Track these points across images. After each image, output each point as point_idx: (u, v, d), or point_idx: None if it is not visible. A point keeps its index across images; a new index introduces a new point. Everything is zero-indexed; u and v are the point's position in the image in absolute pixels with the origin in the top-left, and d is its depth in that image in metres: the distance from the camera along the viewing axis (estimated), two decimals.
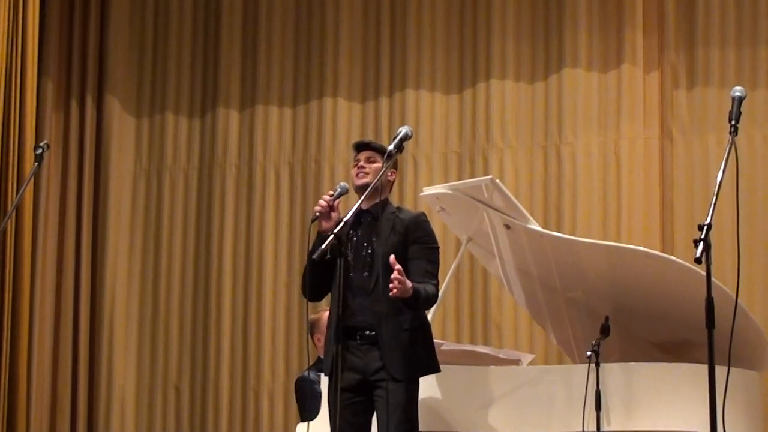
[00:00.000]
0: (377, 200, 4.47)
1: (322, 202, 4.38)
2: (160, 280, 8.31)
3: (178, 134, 8.45)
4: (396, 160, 4.57)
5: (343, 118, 8.13)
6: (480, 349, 6.06)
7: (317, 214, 4.36)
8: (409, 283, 4.27)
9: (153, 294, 8.31)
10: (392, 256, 4.27)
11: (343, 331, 4.37)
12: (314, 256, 4.12)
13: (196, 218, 8.33)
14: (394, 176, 4.68)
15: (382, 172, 4.38)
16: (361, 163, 4.57)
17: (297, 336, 7.97)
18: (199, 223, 8.32)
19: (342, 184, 4.47)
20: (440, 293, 5.42)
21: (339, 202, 4.40)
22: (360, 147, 4.67)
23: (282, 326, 8.01)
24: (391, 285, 4.20)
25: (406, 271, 4.37)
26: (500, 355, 5.84)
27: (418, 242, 4.51)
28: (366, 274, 4.42)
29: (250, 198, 8.24)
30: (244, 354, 8.06)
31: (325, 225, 4.34)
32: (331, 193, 4.41)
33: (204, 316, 8.19)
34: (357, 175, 4.54)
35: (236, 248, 8.20)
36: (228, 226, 8.22)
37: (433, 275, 4.50)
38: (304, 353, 7.91)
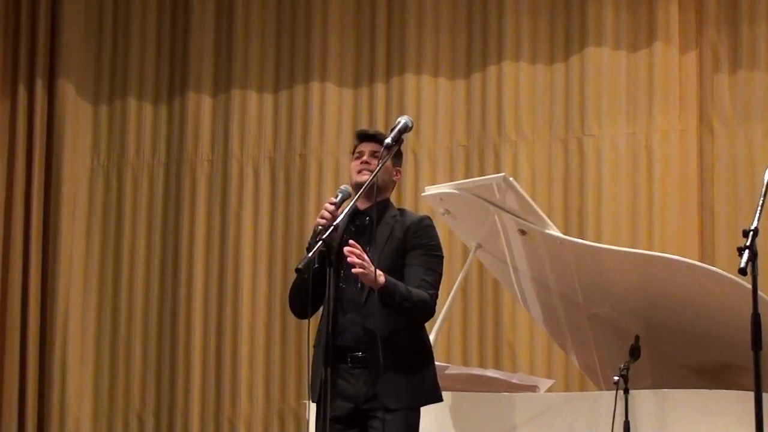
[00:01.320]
0: (377, 201, 4.46)
1: (325, 214, 4.26)
2: (120, 291, 8.31)
3: (142, 124, 8.46)
4: (401, 155, 4.56)
5: (333, 106, 8.13)
6: (490, 373, 6.06)
7: (320, 227, 4.25)
8: (375, 269, 4.22)
9: (112, 308, 8.31)
10: (347, 248, 4.21)
11: (332, 351, 4.34)
12: (299, 265, 4.09)
13: (163, 220, 8.33)
14: (398, 176, 4.67)
15: (380, 166, 4.36)
16: (365, 157, 4.53)
17: (278, 356, 7.97)
18: (166, 226, 8.32)
19: (343, 187, 4.40)
20: (444, 309, 5.45)
21: (342, 210, 4.36)
22: (363, 137, 4.64)
23: (261, 345, 8.02)
24: (349, 259, 4.17)
25: (400, 279, 4.36)
26: (514, 380, 5.85)
27: (418, 248, 4.48)
28: (359, 286, 4.40)
29: (224, 197, 8.24)
30: (217, 377, 8.06)
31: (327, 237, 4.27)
32: (333, 200, 4.34)
33: (171, 334, 8.19)
34: (359, 171, 4.51)
35: (209, 255, 8.20)
36: (199, 230, 8.22)
37: (431, 285, 4.45)
38: (286, 376, 7.92)
